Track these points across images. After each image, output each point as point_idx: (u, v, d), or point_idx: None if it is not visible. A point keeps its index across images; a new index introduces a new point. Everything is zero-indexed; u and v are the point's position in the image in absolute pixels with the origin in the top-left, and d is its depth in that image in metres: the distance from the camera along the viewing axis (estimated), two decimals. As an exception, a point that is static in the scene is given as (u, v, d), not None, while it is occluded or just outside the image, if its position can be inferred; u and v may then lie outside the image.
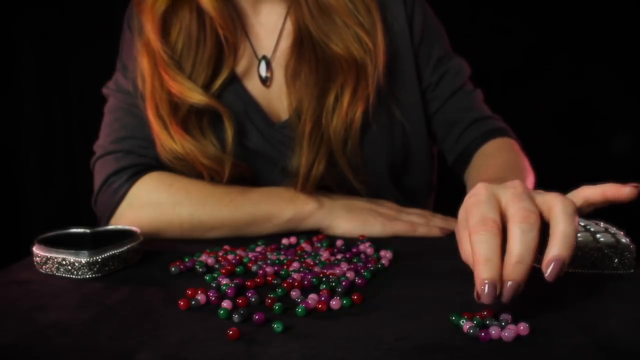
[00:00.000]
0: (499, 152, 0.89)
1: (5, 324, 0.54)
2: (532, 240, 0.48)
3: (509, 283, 0.48)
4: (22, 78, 1.53)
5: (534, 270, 0.65)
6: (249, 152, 0.88)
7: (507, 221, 0.50)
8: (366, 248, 0.74)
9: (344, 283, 0.61)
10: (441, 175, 1.02)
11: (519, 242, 0.48)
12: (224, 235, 0.83)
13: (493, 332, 0.48)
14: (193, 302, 0.57)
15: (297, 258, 0.71)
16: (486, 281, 0.48)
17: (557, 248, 0.49)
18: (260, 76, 0.90)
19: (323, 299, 0.56)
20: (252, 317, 0.53)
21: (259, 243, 0.78)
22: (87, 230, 0.73)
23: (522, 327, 0.49)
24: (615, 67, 1.49)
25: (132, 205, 0.84)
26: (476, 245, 0.49)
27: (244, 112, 0.88)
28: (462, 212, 0.54)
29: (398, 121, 0.90)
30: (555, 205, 0.50)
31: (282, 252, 0.74)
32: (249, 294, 0.58)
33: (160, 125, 0.83)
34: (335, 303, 0.56)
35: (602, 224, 0.68)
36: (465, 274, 0.65)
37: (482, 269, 0.48)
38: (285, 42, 0.89)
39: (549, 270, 0.49)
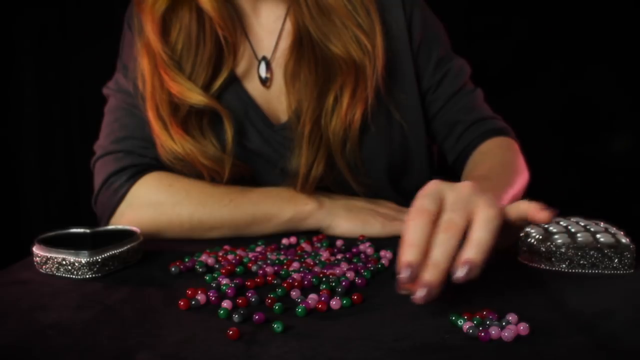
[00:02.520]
0: (494, 151, 0.89)
1: (5, 324, 0.54)
2: (450, 248, 0.52)
3: (423, 284, 0.51)
4: (22, 78, 1.53)
5: (531, 270, 0.66)
6: (248, 152, 0.88)
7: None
8: (366, 248, 0.74)
9: (344, 283, 0.61)
10: (441, 175, 1.02)
11: (437, 248, 0.52)
12: (224, 235, 0.83)
13: (493, 332, 0.48)
14: (193, 302, 0.57)
15: (297, 258, 0.71)
16: (406, 264, 0.51)
17: (469, 252, 0.52)
18: (260, 77, 0.90)
19: (323, 299, 0.56)
20: (252, 317, 0.53)
21: (259, 243, 0.78)
22: (87, 230, 0.73)
23: (522, 327, 0.49)
24: (615, 67, 1.49)
25: (132, 205, 0.84)
26: (407, 230, 0.53)
27: (244, 113, 0.88)
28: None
29: (397, 123, 0.90)
30: (477, 214, 0.53)
31: (282, 252, 0.74)
32: (249, 294, 0.58)
33: (161, 125, 0.83)
34: (335, 303, 0.56)
35: (602, 224, 0.68)
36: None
37: (406, 251, 0.52)
38: (285, 43, 0.89)
39: (458, 272, 0.51)
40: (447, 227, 0.52)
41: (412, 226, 0.53)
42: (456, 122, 0.93)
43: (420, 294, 0.50)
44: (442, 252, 0.51)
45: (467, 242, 0.52)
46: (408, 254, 0.51)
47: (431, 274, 0.51)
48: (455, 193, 0.55)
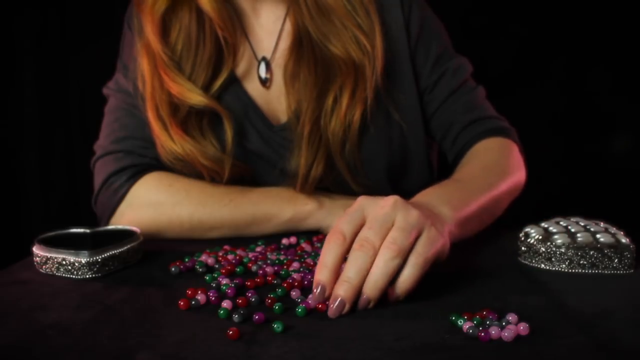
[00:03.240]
0: (484, 152, 0.88)
1: (5, 324, 0.54)
2: (363, 264, 0.55)
3: (337, 299, 0.54)
4: (22, 78, 1.53)
5: (531, 270, 0.66)
6: (248, 153, 0.88)
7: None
8: (366, 248, 0.74)
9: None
10: (441, 175, 1.02)
11: (350, 265, 0.55)
12: (224, 235, 0.83)
13: (493, 332, 0.48)
14: (193, 302, 0.57)
15: (297, 258, 0.71)
16: (318, 284, 0.56)
17: (365, 288, 0.55)
18: (259, 77, 0.90)
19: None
20: (252, 317, 0.53)
21: (259, 243, 0.78)
22: (87, 230, 0.73)
23: (522, 327, 0.49)
24: (616, 67, 1.49)
25: (132, 205, 0.84)
26: (323, 251, 0.57)
27: (244, 114, 0.88)
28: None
29: (396, 123, 0.90)
30: (381, 249, 0.56)
31: (282, 252, 0.74)
32: (249, 294, 0.58)
33: (161, 126, 0.83)
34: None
35: (602, 224, 0.68)
36: (466, 274, 0.65)
37: (320, 272, 0.56)
38: (285, 43, 0.89)
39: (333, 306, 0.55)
40: (360, 245, 0.55)
41: (326, 249, 0.57)
42: (453, 122, 0.92)
43: (333, 306, 0.54)
44: (354, 269, 0.55)
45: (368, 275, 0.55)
46: (319, 274, 0.56)
47: (344, 290, 0.54)
48: (376, 210, 0.58)
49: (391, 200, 0.59)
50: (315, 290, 0.56)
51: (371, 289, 0.55)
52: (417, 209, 0.58)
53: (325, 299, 0.55)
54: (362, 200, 0.59)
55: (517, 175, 0.85)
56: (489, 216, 0.80)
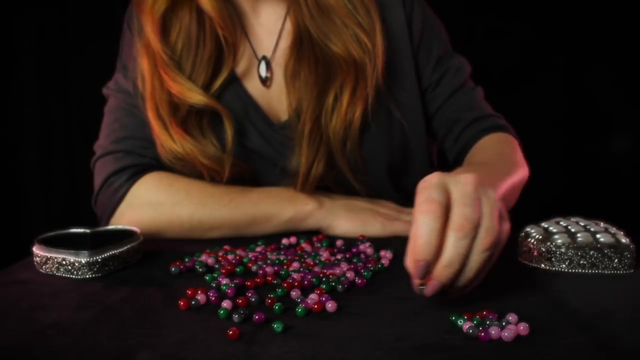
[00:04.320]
0: (492, 145, 0.89)
1: (5, 324, 0.54)
2: (464, 247, 0.51)
3: (435, 282, 0.52)
4: (22, 78, 1.53)
5: (531, 270, 0.66)
6: (248, 152, 0.88)
7: (448, 219, 0.52)
8: (366, 248, 0.74)
9: (344, 283, 0.61)
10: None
11: (451, 248, 0.51)
12: (224, 235, 0.83)
13: (493, 332, 0.48)
14: (193, 302, 0.57)
15: (297, 258, 0.71)
16: (419, 262, 0.51)
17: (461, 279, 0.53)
18: (260, 76, 0.90)
19: (323, 299, 0.56)
20: (252, 317, 0.53)
21: (259, 243, 0.78)
22: (87, 230, 0.73)
23: (522, 327, 0.49)
24: (616, 67, 1.49)
25: (132, 205, 0.84)
26: (418, 225, 0.52)
27: (244, 113, 0.88)
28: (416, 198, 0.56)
29: (397, 121, 0.90)
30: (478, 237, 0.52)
31: (282, 252, 0.74)
32: (249, 294, 0.58)
33: (161, 125, 0.83)
34: (331, 305, 0.56)
35: (602, 224, 0.68)
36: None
37: (420, 250, 0.51)
38: (285, 42, 0.89)
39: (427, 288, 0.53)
40: (460, 224, 0.51)
41: (422, 221, 0.52)
42: (455, 120, 0.93)
43: (431, 289, 0.52)
44: (455, 252, 0.51)
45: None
46: (421, 253, 0.51)
47: (444, 275, 0.51)
48: (460, 186, 0.54)
49: (470, 177, 0.54)
50: (416, 267, 0.51)
51: (462, 280, 0.52)
52: (493, 190, 0.56)
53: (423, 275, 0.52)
54: (438, 176, 0.55)
55: (524, 168, 0.85)
56: (511, 202, 0.79)
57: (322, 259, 0.70)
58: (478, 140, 0.91)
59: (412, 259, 0.52)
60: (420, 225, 0.52)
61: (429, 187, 0.54)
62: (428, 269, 0.51)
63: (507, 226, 0.55)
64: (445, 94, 0.93)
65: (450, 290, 0.54)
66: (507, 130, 0.92)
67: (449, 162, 0.97)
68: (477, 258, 0.52)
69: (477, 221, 0.52)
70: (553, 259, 0.64)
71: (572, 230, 0.66)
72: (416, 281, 0.53)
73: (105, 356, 0.47)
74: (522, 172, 0.83)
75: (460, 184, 0.54)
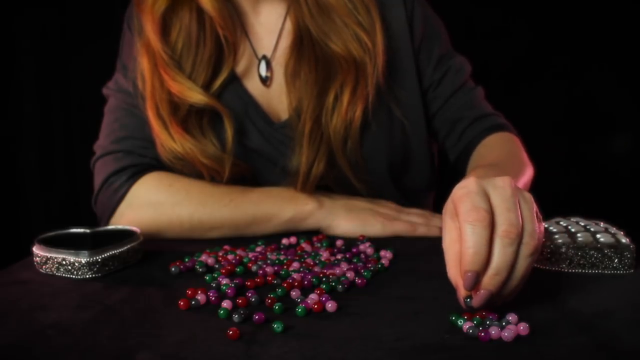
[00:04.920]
0: (499, 145, 0.89)
1: (5, 324, 0.54)
2: (511, 255, 0.50)
3: (483, 291, 0.50)
4: (22, 78, 1.53)
5: (533, 272, 0.65)
6: (249, 151, 0.88)
7: (494, 226, 0.51)
8: (366, 248, 0.74)
9: (344, 283, 0.61)
10: (441, 176, 1.02)
11: (498, 255, 0.50)
12: (224, 235, 0.83)
13: (493, 332, 0.48)
14: (193, 302, 0.57)
15: (297, 258, 0.71)
16: (469, 273, 0.50)
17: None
18: (260, 76, 0.90)
19: (323, 299, 0.56)
20: (252, 317, 0.53)
21: (259, 243, 0.78)
22: (87, 230, 0.73)
23: (522, 327, 0.49)
24: (617, 67, 1.49)
25: (132, 205, 0.84)
26: (466, 235, 0.50)
27: (244, 112, 0.88)
28: (449, 203, 0.55)
29: (398, 121, 0.90)
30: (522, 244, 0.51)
31: (282, 252, 0.74)
32: (249, 294, 0.58)
33: (161, 125, 0.83)
34: (331, 305, 0.56)
35: (602, 224, 0.68)
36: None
37: (470, 260, 0.50)
38: (285, 42, 0.89)
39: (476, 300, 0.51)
40: (506, 231, 0.50)
41: (471, 231, 0.50)
42: (457, 120, 0.93)
43: (479, 299, 0.51)
44: (503, 259, 0.50)
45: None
46: (471, 263, 0.50)
47: (493, 283, 0.50)
48: (499, 191, 0.52)
49: (506, 180, 0.53)
50: (467, 276, 0.50)
51: (509, 287, 0.51)
52: (526, 191, 0.55)
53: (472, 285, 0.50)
54: (477, 181, 0.53)
55: (531, 167, 0.86)
56: None
57: (322, 259, 0.70)
58: (481, 140, 0.91)
59: (459, 270, 0.51)
60: (470, 235, 0.50)
61: (469, 193, 0.52)
62: (477, 279, 0.50)
63: (542, 227, 0.54)
64: (446, 94, 0.93)
65: (496, 298, 0.52)
66: (509, 129, 0.92)
67: (449, 162, 0.97)
68: (523, 263, 0.51)
69: (521, 226, 0.51)
70: (553, 259, 0.64)
71: (572, 230, 0.66)
72: (462, 292, 0.52)
73: (105, 356, 0.47)
74: (529, 171, 0.84)
75: (499, 187, 0.53)
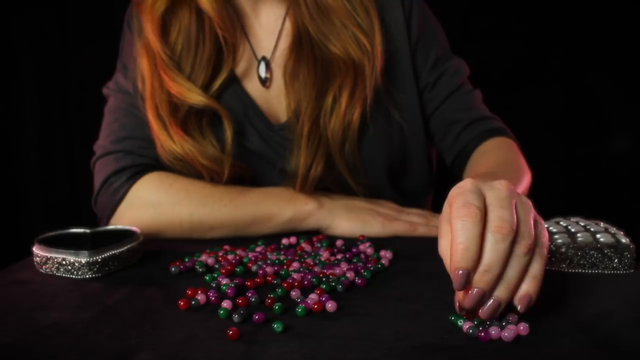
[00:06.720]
0: (496, 151, 0.89)
1: (5, 324, 0.54)
2: (503, 251, 0.48)
3: (475, 290, 0.48)
4: (22, 78, 1.53)
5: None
6: (248, 152, 0.88)
7: (486, 223, 0.50)
8: (366, 248, 0.74)
9: (344, 283, 0.61)
10: (441, 175, 1.03)
11: (490, 251, 0.48)
12: (223, 235, 0.83)
13: (493, 332, 0.48)
14: (193, 302, 0.57)
15: (297, 258, 0.71)
16: (460, 271, 0.48)
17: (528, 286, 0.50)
18: (259, 77, 0.90)
19: (323, 299, 0.56)
20: (252, 317, 0.53)
21: (259, 243, 0.78)
22: (87, 230, 0.73)
23: (522, 327, 0.49)
24: (615, 68, 1.49)
25: (132, 205, 0.84)
26: (457, 231, 0.49)
27: (244, 113, 0.88)
28: (446, 205, 0.54)
29: (396, 122, 0.90)
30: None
31: (282, 252, 0.74)
32: (249, 294, 0.58)
33: (160, 125, 0.83)
34: (331, 305, 0.56)
35: (602, 224, 0.68)
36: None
37: (459, 257, 0.48)
38: (285, 43, 0.89)
39: (519, 307, 0.50)
40: (498, 226, 0.49)
41: (461, 226, 0.49)
42: (453, 122, 0.93)
43: (469, 299, 0.49)
44: (495, 256, 0.48)
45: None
46: (461, 260, 0.48)
47: (484, 280, 0.48)
48: (495, 191, 0.52)
49: (503, 183, 0.52)
50: (456, 274, 0.48)
51: (504, 290, 0.49)
52: (524, 196, 0.54)
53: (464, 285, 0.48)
54: (472, 181, 0.52)
55: (529, 174, 0.86)
56: None
57: (322, 259, 0.70)
58: (479, 145, 0.91)
59: (453, 269, 0.49)
60: (459, 231, 0.48)
61: (464, 192, 0.51)
62: (468, 278, 0.48)
63: (545, 231, 0.53)
64: (442, 95, 0.93)
65: (504, 305, 0.50)
66: (506, 134, 0.92)
67: (446, 164, 0.97)
68: (517, 263, 0.49)
69: (514, 223, 0.49)
70: (553, 259, 0.64)
71: (572, 230, 0.66)
72: (459, 296, 0.50)
73: (105, 356, 0.47)
74: (527, 178, 0.83)
75: (495, 189, 0.52)
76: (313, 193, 0.84)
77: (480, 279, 0.48)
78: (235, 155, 0.85)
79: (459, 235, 0.48)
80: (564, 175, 1.54)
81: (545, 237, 0.52)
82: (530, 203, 0.53)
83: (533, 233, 0.50)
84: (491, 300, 0.49)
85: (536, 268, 0.50)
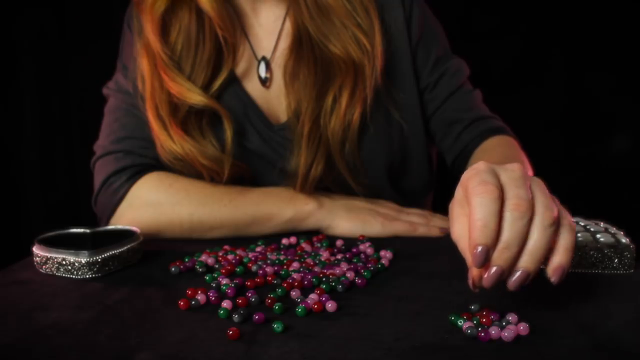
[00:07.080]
0: (497, 148, 0.89)
1: (5, 324, 0.54)
2: (522, 228, 0.48)
3: (494, 268, 0.48)
4: (22, 78, 1.53)
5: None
6: (248, 152, 0.88)
7: (503, 202, 0.49)
8: (366, 248, 0.74)
9: (344, 283, 0.61)
10: (441, 175, 1.02)
11: (508, 229, 0.48)
12: (223, 235, 0.83)
13: (493, 332, 0.48)
14: (193, 302, 0.57)
15: (297, 258, 0.71)
16: (479, 247, 0.47)
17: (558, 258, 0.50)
18: (259, 77, 0.90)
19: (323, 299, 0.56)
20: (252, 317, 0.53)
21: (259, 243, 0.78)
22: (87, 230, 0.73)
23: (522, 327, 0.49)
24: (615, 67, 1.49)
25: (132, 205, 0.84)
26: (475, 208, 0.48)
27: (244, 113, 0.88)
28: (459, 188, 0.53)
29: (396, 122, 0.90)
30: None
31: (282, 252, 0.74)
32: (249, 294, 0.58)
33: (160, 125, 0.83)
34: (331, 305, 0.56)
35: (602, 224, 0.68)
36: (466, 274, 0.65)
37: (479, 234, 0.47)
38: (285, 43, 0.89)
39: (552, 278, 0.50)
40: (516, 204, 0.48)
41: (479, 203, 0.48)
42: (454, 121, 0.93)
43: (489, 278, 0.48)
44: (514, 233, 0.48)
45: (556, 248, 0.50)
46: (480, 237, 0.47)
47: (503, 258, 0.48)
48: (509, 172, 0.51)
49: (517, 165, 0.52)
50: (475, 252, 0.47)
51: (531, 261, 0.49)
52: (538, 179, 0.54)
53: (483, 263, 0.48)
54: (486, 163, 0.52)
55: (531, 171, 0.85)
56: None
57: (322, 259, 0.70)
58: (480, 144, 0.91)
59: (472, 246, 0.48)
60: (478, 207, 0.48)
61: (478, 172, 0.51)
62: (487, 256, 0.47)
63: (569, 215, 0.52)
64: (443, 95, 0.93)
65: (533, 275, 0.50)
66: (507, 132, 0.92)
67: (447, 164, 0.97)
68: (542, 234, 0.49)
69: (531, 201, 0.49)
70: (553, 259, 0.64)
71: (572, 230, 0.66)
72: (474, 272, 0.50)
73: (105, 356, 0.47)
74: (530, 174, 0.83)
75: (509, 170, 0.52)
76: (313, 193, 0.84)
77: (500, 256, 0.48)
78: (235, 155, 0.85)
79: (477, 212, 0.48)
80: (564, 175, 1.54)
81: (566, 211, 0.52)
82: (544, 185, 0.53)
83: (555, 207, 0.50)
84: (519, 272, 0.49)
85: (567, 239, 0.50)
